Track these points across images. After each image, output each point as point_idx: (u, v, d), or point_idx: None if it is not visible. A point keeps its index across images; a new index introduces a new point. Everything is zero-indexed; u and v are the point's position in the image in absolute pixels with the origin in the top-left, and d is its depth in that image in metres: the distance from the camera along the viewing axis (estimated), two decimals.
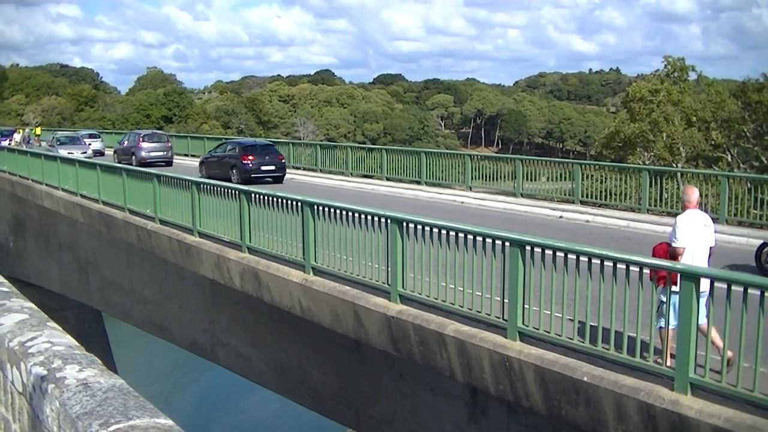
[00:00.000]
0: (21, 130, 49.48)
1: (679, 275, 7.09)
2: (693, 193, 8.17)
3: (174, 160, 33.91)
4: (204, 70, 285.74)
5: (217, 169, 26.22)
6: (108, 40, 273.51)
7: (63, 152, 31.66)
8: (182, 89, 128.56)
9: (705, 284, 6.95)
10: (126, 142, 34.88)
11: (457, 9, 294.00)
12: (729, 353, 6.77)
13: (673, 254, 7.76)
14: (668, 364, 7.24)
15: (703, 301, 7.00)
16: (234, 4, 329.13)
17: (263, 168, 26.00)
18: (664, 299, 7.35)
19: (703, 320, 7.05)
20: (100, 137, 45.37)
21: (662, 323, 7.39)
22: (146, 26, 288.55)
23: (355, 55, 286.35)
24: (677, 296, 7.12)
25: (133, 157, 32.18)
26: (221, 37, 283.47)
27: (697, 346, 6.96)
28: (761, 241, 12.79)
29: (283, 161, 27.13)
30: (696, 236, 7.81)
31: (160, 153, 33.13)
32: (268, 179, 25.82)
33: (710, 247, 7.95)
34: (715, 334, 7.13)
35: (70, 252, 26.17)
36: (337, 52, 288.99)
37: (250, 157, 26.04)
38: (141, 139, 33.78)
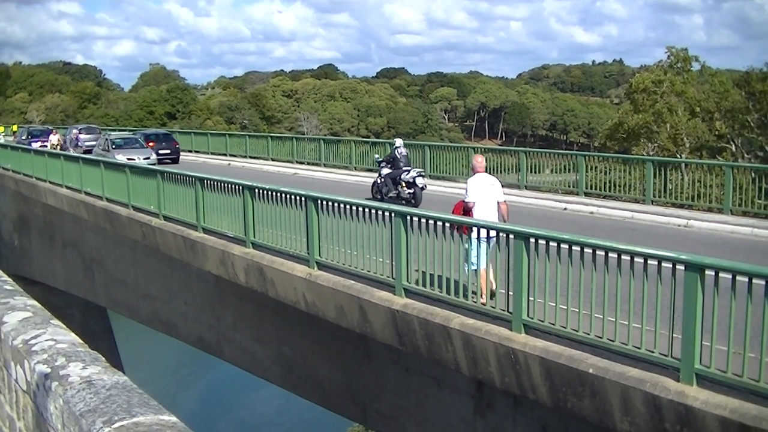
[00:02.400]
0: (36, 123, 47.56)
1: (475, 228, 8.94)
2: (481, 161, 10.32)
3: None
4: (206, 66, 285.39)
5: None
6: (110, 37, 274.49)
7: (121, 158, 26.78)
8: (185, 85, 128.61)
9: (488, 233, 8.77)
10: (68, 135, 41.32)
11: (458, 2, 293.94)
12: (492, 285, 8.80)
13: (466, 208, 9.66)
14: (482, 301, 8.81)
15: (484, 248, 8.64)
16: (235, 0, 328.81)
17: (161, 152, 32.86)
18: (467, 246, 8.95)
19: (483, 265, 8.75)
20: (55, 132, 45.17)
21: (475, 266, 8.87)
22: (148, 22, 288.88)
23: (358, 49, 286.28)
24: (475, 242, 8.79)
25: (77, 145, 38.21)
26: (223, 32, 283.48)
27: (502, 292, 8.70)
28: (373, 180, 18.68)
29: (177, 146, 34.86)
30: (484, 194, 9.77)
31: (95, 142, 37.36)
32: (167, 161, 32.42)
33: (498, 201, 9.89)
34: (491, 275, 8.81)
35: (74, 249, 26.20)
36: (340, 47, 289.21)
37: (151, 144, 33.30)
38: (78, 132, 40.61)
